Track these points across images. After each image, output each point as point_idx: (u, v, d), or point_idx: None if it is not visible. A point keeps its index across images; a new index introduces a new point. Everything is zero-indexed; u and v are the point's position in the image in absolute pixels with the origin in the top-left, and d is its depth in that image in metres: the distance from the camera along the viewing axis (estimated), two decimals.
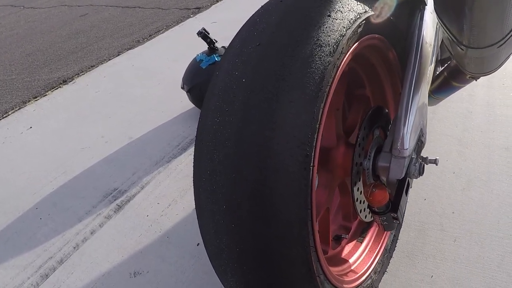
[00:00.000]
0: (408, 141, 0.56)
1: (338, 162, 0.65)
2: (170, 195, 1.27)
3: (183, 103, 1.82)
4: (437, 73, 0.88)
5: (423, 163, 0.61)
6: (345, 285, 0.62)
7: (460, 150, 1.15)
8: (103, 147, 1.61)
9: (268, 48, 0.44)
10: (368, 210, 0.67)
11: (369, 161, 0.62)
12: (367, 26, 0.53)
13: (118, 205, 1.26)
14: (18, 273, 1.08)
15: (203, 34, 1.48)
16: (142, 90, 2.06)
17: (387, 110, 0.71)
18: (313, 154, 0.42)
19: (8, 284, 1.06)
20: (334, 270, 0.66)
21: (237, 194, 0.41)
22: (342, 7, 0.47)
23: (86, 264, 1.06)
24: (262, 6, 0.53)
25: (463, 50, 0.50)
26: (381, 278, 0.79)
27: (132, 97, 2.01)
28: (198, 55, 1.58)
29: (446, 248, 0.88)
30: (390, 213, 0.57)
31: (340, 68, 0.46)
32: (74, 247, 1.13)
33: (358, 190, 0.64)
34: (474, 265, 0.83)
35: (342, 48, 0.45)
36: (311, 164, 0.42)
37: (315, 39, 0.42)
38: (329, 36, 0.43)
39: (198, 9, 3.33)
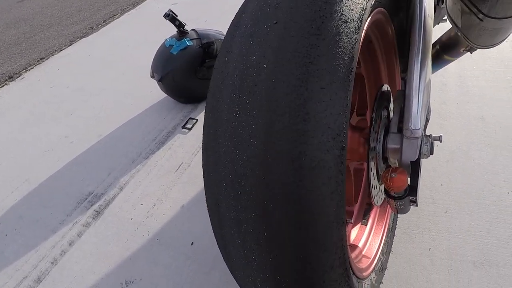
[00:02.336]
0: (420, 121, 0.54)
1: None
2: (154, 194, 1.19)
3: (153, 93, 1.70)
4: None
5: (432, 141, 0.59)
6: (364, 273, 0.61)
7: (441, 123, 1.19)
8: (68, 149, 1.46)
9: (288, 26, 0.38)
10: (382, 194, 0.65)
11: (379, 143, 0.60)
12: None
13: (96, 211, 1.16)
14: None
15: (171, 17, 1.36)
16: (105, 82, 1.88)
17: (389, 89, 0.69)
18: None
19: None
20: (352, 259, 0.64)
21: (269, 199, 0.36)
22: None
23: (68, 280, 0.96)
24: None
25: (480, 20, 0.49)
26: (388, 258, 0.80)
27: (94, 90, 1.83)
28: (166, 40, 1.46)
29: (439, 220, 0.91)
30: (408, 197, 0.55)
31: (360, 47, 0.42)
32: (52, 262, 1.02)
33: (372, 175, 0.62)
34: (466, 234, 0.87)
35: (365, 24, 0.41)
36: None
37: (340, 14, 0.37)
38: (352, 10, 0.38)
39: None
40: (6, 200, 1.25)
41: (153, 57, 1.51)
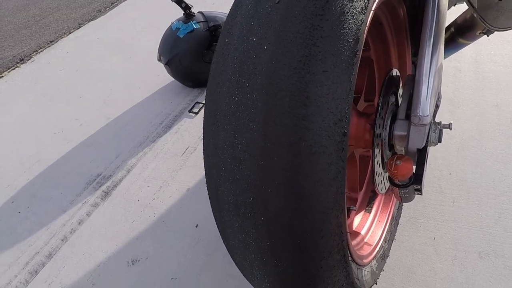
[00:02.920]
0: (429, 107, 0.52)
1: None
2: (160, 176, 1.20)
3: (160, 77, 1.70)
4: None
5: (441, 128, 0.58)
6: (364, 260, 0.61)
7: (452, 110, 1.16)
8: (78, 130, 1.48)
9: (290, 6, 0.37)
10: (387, 182, 0.65)
11: (386, 130, 0.58)
12: None
13: (105, 192, 1.18)
14: (4, 272, 1.00)
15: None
16: (113, 66, 1.89)
17: (398, 74, 0.67)
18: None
19: None
20: (353, 246, 0.64)
21: (267, 184, 0.36)
22: None
23: (78, 256, 1.00)
24: None
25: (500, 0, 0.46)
26: (390, 246, 0.80)
27: (103, 73, 1.84)
28: (173, 23, 1.44)
29: (446, 209, 0.90)
30: (413, 186, 0.54)
31: (367, 28, 0.40)
32: (62, 240, 1.06)
33: (377, 163, 0.61)
34: (473, 224, 0.86)
35: (373, 4, 0.39)
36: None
37: None
38: None
39: None
40: (19, 179, 1.30)
41: (159, 40, 1.50)
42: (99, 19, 2.49)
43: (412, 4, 0.64)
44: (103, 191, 1.19)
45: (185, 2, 1.36)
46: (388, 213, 0.79)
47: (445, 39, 0.81)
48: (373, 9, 0.43)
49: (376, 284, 0.73)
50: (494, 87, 1.21)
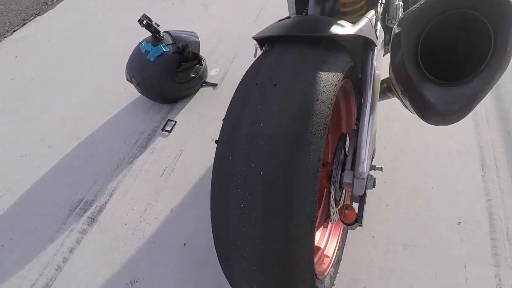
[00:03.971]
0: (367, 166, 0.72)
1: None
2: (143, 199, 1.30)
3: (128, 89, 1.72)
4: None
5: (375, 178, 0.79)
6: (325, 273, 0.82)
7: (388, 125, 1.41)
8: (48, 153, 1.48)
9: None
10: (337, 216, 0.85)
11: (337, 179, 0.78)
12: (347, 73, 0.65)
13: (90, 218, 1.26)
14: None
15: (147, 24, 1.36)
16: (73, 75, 1.83)
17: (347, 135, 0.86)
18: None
19: None
20: (316, 264, 0.85)
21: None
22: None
23: (76, 284, 1.10)
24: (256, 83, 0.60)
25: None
26: (343, 251, 1.04)
27: (63, 84, 1.79)
28: (142, 44, 1.46)
29: (382, 212, 1.15)
30: (356, 224, 0.76)
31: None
32: (57, 269, 1.13)
33: (332, 198, 0.80)
34: (401, 222, 1.13)
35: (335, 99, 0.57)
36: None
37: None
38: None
39: None
40: None
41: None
42: (47, 13, 2.31)
43: (356, 78, 0.82)
44: (88, 217, 1.26)
45: (154, 27, 1.39)
46: (341, 225, 1.01)
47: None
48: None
49: (333, 285, 0.97)
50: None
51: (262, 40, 0.69)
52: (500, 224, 1.09)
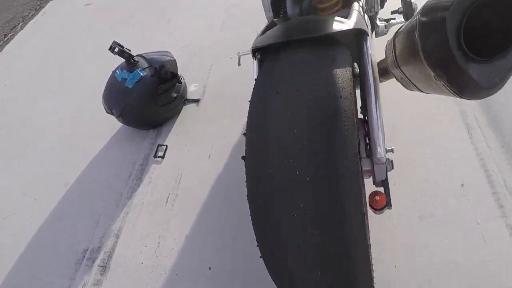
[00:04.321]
0: (383, 150, 0.74)
1: None
2: (153, 232, 1.24)
3: (109, 119, 1.62)
4: None
5: (392, 160, 0.81)
6: None
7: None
8: (34, 207, 1.36)
9: None
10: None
11: None
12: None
13: (101, 266, 1.18)
14: None
15: (120, 51, 1.29)
16: (45, 107, 1.69)
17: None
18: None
19: None
20: None
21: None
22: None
23: None
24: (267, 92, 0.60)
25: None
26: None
27: (33, 126, 1.65)
28: (117, 72, 1.39)
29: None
30: (386, 208, 0.78)
31: None
32: None
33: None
34: (412, 198, 1.18)
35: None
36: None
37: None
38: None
39: None
40: None
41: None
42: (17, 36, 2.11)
43: (354, 69, 0.83)
44: (99, 265, 1.18)
45: (127, 52, 1.32)
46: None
47: None
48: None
49: None
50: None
51: (255, 49, 0.70)
52: (497, 178, 1.17)
